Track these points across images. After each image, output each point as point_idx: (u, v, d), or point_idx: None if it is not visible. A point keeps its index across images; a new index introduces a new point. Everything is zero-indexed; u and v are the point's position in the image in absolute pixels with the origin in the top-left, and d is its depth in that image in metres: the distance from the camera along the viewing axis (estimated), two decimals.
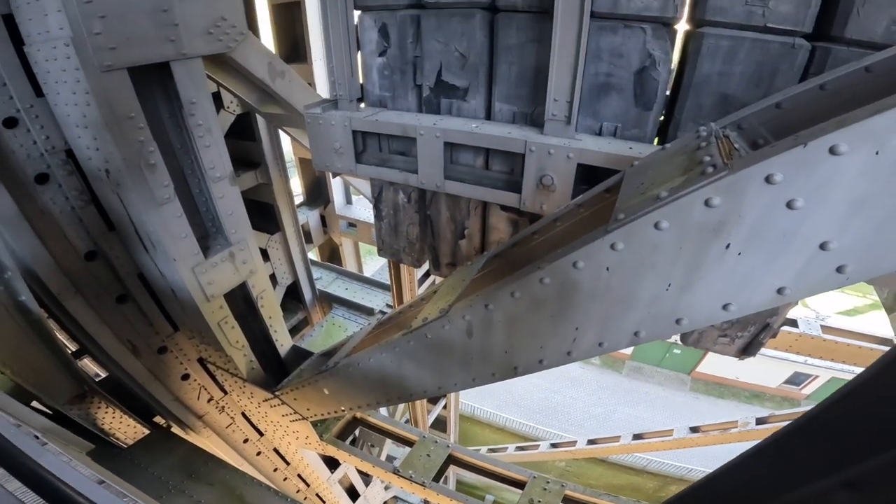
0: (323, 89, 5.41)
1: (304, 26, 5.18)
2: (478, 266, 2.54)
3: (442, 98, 2.63)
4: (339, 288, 5.85)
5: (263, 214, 4.90)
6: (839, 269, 1.28)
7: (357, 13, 2.67)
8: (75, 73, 3.14)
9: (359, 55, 2.73)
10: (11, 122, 3.61)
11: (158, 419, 5.14)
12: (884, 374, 0.86)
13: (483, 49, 2.48)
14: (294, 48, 5.41)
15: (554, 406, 19.48)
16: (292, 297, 5.47)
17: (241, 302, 4.63)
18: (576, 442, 11.06)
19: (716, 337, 2.25)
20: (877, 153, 1.14)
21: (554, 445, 11.48)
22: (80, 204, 3.92)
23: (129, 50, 3.17)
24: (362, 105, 2.88)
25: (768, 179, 1.25)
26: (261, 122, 4.66)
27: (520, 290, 1.81)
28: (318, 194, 6.07)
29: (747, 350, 2.23)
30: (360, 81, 2.82)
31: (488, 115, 2.61)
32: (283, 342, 4.94)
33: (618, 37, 2.35)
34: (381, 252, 3.44)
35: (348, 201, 5.98)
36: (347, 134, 2.68)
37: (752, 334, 2.19)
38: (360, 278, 5.98)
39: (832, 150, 1.17)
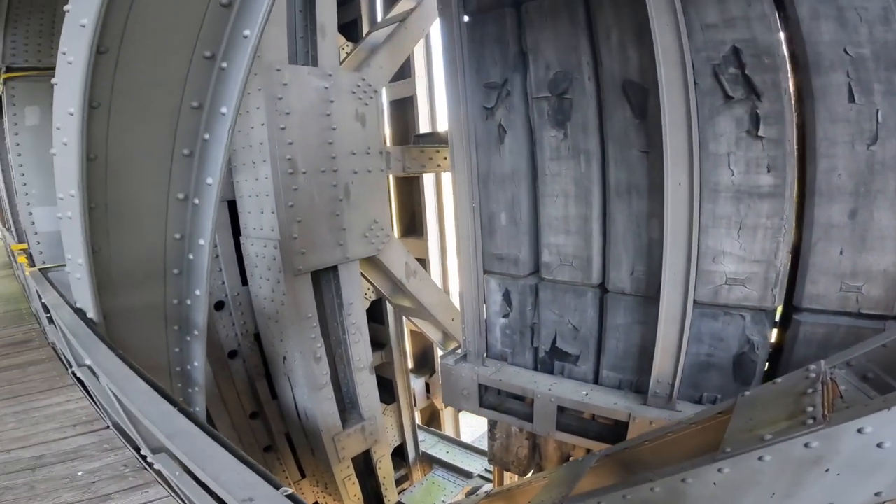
0: (435, 261, 6.22)
1: (421, 202, 6.18)
2: (590, 463, 2.69)
3: (556, 361, 3.07)
4: (441, 451, 6.22)
5: (383, 387, 5.56)
6: None
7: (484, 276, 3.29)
8: (278, 274, 4.12)
9: (484, 311, 3.32)
10: (220, 306, 4.72)
11: None
12: None
13: (593, 324, 2.92)
14: (412, 222, 6.42)
15: None
16: (397, 455, 5.91)
17: (362, 463, 5.17)
18: None
19: None
20: None
21: None
22: (257, 376, 4.87)
23: (313, 255, 4.17)
24: (484, 354, 3.41)
25: (860, 431, 1.44)
26: (389, 308, 5.51)
27: (631, 493, 1.93)
28: (424, 363, 6.84)
29: None
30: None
31: (596, 380, 2.97)
32: (391, 498, 5.33)
33: (718, 323, 2.66)
34: (491, 461, 3.75)
35: None
36: (474, 385, 3.19)
37: None
38: (460, 443, 6.30)
39: None
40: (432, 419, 6.84)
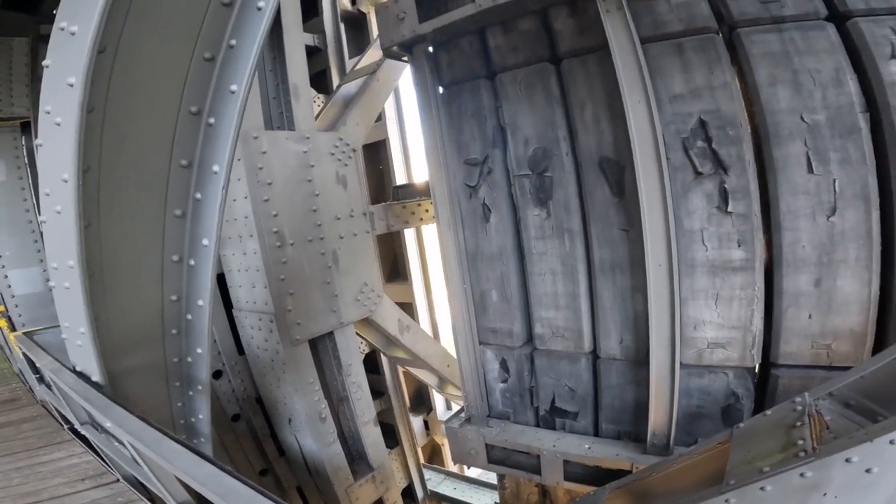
0: (422, 305, 6.31)
1: (403, 250, 6.25)
2: (603, 496, 2.86)
3: (556, 417, 3.22)
4: (448, 488, 6.39)
5: (385, 432, 5.67)
6: None
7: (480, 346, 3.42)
8: (276, 345, 4.13)
9: (483, 376, 3.44)
10: (218, 374, 4.72)
11: None
12: None
13: (589, 385, 3.08)
14: (395, 267, 6.49)
15: None
16: (406, 496, 6.04)
17: None
18: None
19: None
20: None
21: None
22: (263, 437, 4.89)
23: (309, 324, 4.18)
24: (487, 415, 3.54)
25: (848, 460, 1.61)
26: (384, 357, 5.59)
27: None
28: (420, 402, 6.94)
29: None
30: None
31: (596, 432, 3.13)
32: None
33: (705, 380, 2.85)
34: None
35: (448, 408, 6.72)
36: (481, 444, 3.31)
37: None
38: (466, 478, 6.46)
39: (892, 441, 1.51)
40: (434, 455, 6.99)
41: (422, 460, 6.25)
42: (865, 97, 2.43)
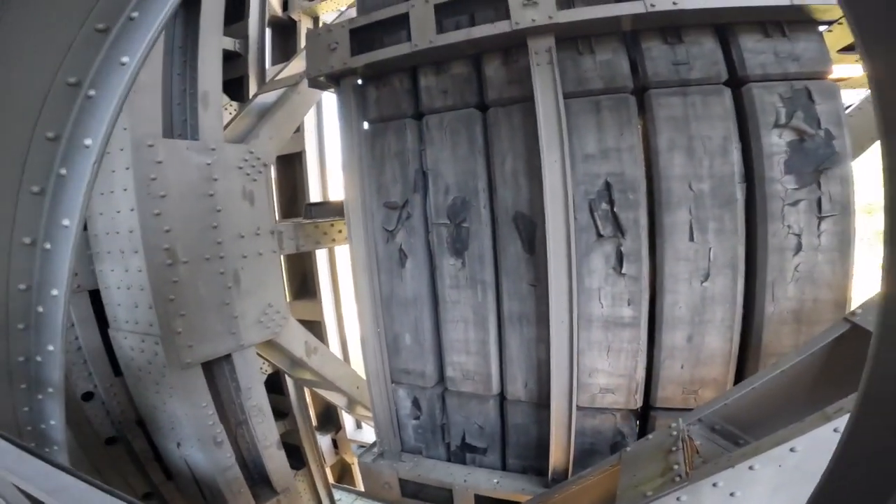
0: (331, 323, 6.16)
1: (313, 266, 6.05)
2: None
3: (467, 453, 3.36)
4: None
5: (290, 453, 5.47)
6: None
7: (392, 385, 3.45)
8: (162, 368, 3.75)
9: (396, 412, 3.48)
10: (88, 396, 4.22)
11: None
12: None
13: (496, 424, 3.26)
14: (303, 284, 6.25)
15: None
16: None
17: None
18: None
19: None
20: (779, 466, 1.78)
21: None
22: (146, 460, 4.48)
23: (202, 346, 3.87)
24: (400, 450, 3.59)
25: (714, 485, 1.90)
26: (288, 378, 5.38)
27: None
28: (328, 420, 6.77)
29: None
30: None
31: (504, 466, 3.33)
32: None
33: (597, 420, 3.15)
34: None
35: (359, 426, 6.66)
36: (394, 478, 3.37)
37: None
38: (378, 498, 6.44)
39: (751, 468, 1.80)
40: (344, 474, 6.90)
41: (331, 480, 6.16)
42: (745, 167, 2.72)
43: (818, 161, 2.68)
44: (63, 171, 1.89)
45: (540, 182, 2.82)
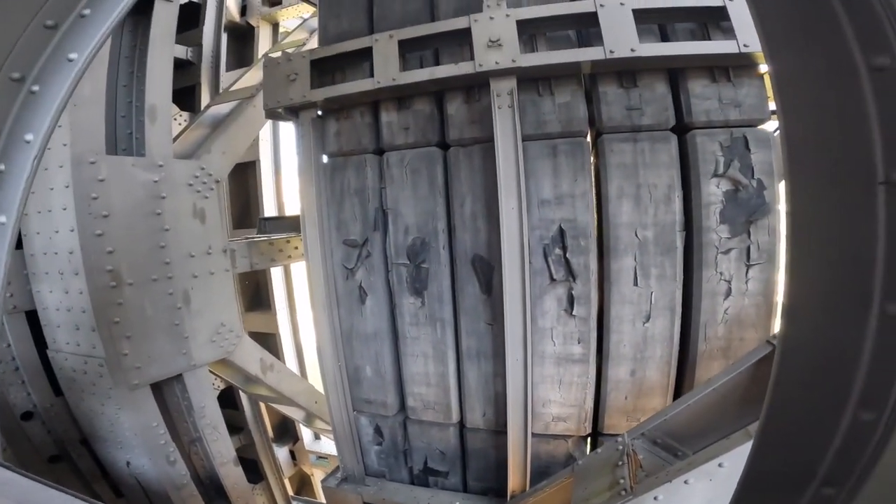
0: (286, 335, 6.12)
1: (267, 279, 5.95)
2: None
3: (429, 476, 3.52)
4: None
5: (247, 467, 5.48)
6: None
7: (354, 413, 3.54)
8: (107, 390, 3.65)
9: (358, 438, 3.58)
10: (28, 416, 4.07)
11: None
12: None
13: (457, 449, 3.43)
14: (257, 295, 6.12)
15: None
16: None
17: None
18: None
19: None
20: (710, 480, 2.05)
21: None
22: (93, 479, 4.39)
23: (151, 367, 3.80)
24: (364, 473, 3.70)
25: (656, 499, 2.16)
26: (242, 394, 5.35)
27: None
28: (285, 432, 6.68)
29: None
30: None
31: (465, 488, 3.52)
32: None
33: (551, 446, 3.38)
34: None
35: (317, 437, 6.71)
36: (359, 501, 3.48)
37: None
38: None
39: (686, 482, 2.06)
40: (303, 485, 6.96)
41: (290, 492, 6.23)
42: (685, 215, 2.90)
43: (749, 212, 2.91)
44: (1, 167, 1.82)
45: (498, 226, 2.92)
